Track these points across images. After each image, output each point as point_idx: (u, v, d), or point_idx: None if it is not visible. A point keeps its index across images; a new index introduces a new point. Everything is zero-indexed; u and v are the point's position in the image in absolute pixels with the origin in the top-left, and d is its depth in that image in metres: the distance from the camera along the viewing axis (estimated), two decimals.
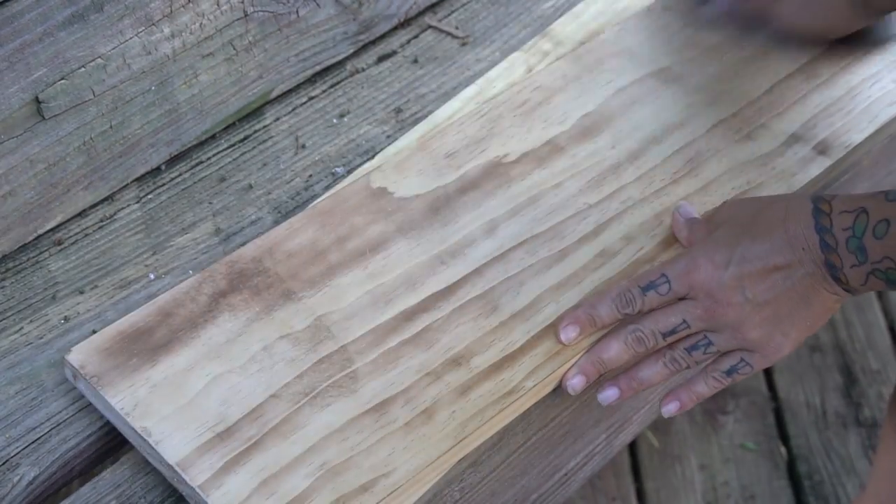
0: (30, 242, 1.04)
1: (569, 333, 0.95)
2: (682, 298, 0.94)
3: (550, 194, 1.05)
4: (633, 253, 1.01)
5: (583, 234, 1.02)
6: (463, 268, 0.99)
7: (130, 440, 0.91)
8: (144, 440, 0.88)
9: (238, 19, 1.10)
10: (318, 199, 1.05)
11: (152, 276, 1.03)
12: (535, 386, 0.94)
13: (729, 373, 0.95)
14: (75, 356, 0.92)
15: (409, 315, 0.96)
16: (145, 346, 0.93)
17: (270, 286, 0.97)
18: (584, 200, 1.04)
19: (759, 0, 1.14)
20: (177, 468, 0.86)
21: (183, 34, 1.06)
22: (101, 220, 1.07)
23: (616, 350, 0.94)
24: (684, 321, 0.93)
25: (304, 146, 1.13)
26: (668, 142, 1.09)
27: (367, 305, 0.97)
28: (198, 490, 0.86)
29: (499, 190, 1.05)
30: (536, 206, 1.04)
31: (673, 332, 0.94)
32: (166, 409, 0.89)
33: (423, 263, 1.00)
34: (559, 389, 0.95)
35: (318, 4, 1.15)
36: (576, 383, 0.94)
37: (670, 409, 0.97)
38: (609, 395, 0.96)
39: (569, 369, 0.95)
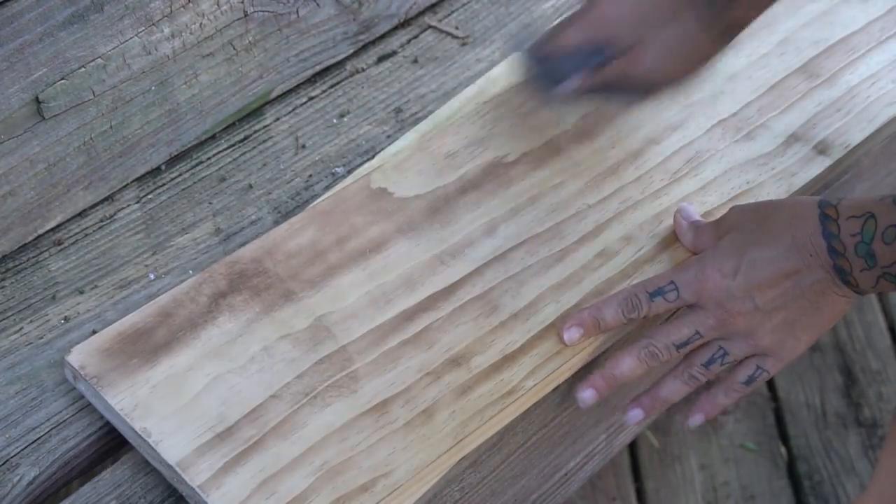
0: (30, 242, 1.04)
1: (572, 335, 0.95)
2: (689, 305, 0.94)
3: (550, 194, 1.05)
4: (632, 253, 1.01)
5: (582, 235, 1.02)
6: (463, 268, 0.99)
7: (130, 440, 0.91)
8: (144, 440, 0.88)
9: (238, 19, 1.10)
10: (318, 200, 1.05)
11: (152, 276, 1.03)
12: (534, 386, 0.94)
13: (748, 382, 0.95)
14: (75, 357, 0.92)
15: (409, 315, 0.96)
16: (145, 346, 0.93)
17: (270, 286, 0.97)
18: (584, 201, 1.04)
19: (614, 66, 1.03)
20: (176, 468, 0.86)
21: (183, 34, 1.06)
22: (101, 220, 1.07)
23: (629, 365, 0.94)
24: (697, 332, 0.93)
25: (304, 146, 1.13)
26: (668, 142, 1.09)
27: (367, 305, 0.97)
28: (197, 490, 0.86)
29: (499, 190, 1.05)
30: (536, 207, 1.04)
31: (686, 343, 0.93)
32: (166, 409, 0.89)
33: (423, 263, 1.00)
34: (559, 389, 0.95)
35: (318, 4, 1.15)
36: (587, 397, 0.94)
37: (696, 419, 0.98)
38: (634, 415, 0.97)
39: (581, 383, 0.95)
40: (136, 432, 0.88)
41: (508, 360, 0.95)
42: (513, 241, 1.01)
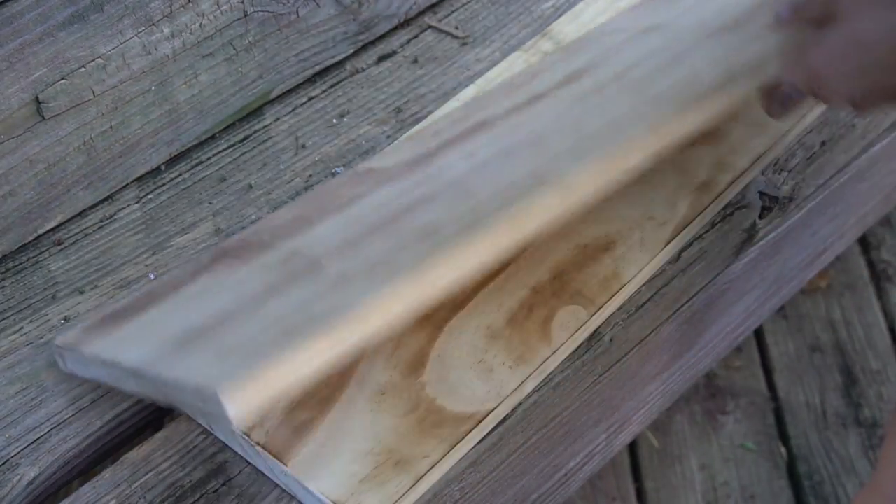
0: (30, 242, 1.04)
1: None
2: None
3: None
4: None
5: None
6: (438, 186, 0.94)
7: (136, 389, 0.87)
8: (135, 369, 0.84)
9: (238, 19, 1.10)
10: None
11: (152, 276, 1.03)
12: None
13: None
14: (59, 339, 0.91)
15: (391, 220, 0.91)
16: (128, 317, 0.91)
17: (252, 249, 0.95)
18: None
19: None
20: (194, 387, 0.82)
21: (183, 34, 1.06)
22: (101, 220, 1.07)
23: None
24: None
25: (304, 146, 1.13)
26: None
27: (341, 230, 0.93)
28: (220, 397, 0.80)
29: (483, 135, 1.01)
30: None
31: None
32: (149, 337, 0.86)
33: (403, 205, 0.95)
34: (556, 386, 0.95)
35: (318, 4, 1.15)
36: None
37: None
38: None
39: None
40: (123, 367, 0.84)
41: None
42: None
